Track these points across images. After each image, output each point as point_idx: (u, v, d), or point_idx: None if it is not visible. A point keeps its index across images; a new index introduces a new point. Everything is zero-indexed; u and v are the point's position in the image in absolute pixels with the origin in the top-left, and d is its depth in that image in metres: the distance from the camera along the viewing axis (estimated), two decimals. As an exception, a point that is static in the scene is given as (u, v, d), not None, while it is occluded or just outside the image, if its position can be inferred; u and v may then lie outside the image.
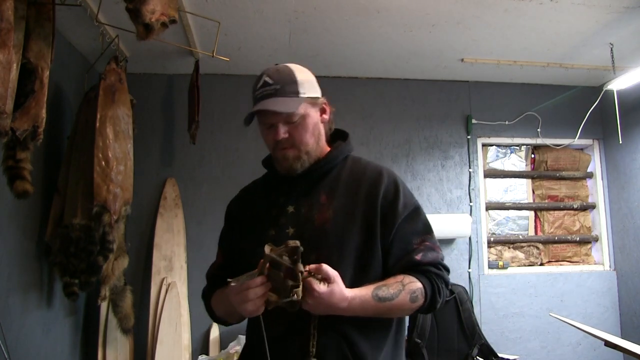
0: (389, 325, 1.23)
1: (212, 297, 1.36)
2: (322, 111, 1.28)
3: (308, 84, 1.24)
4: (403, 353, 1.28)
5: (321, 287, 1.05)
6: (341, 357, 1.14)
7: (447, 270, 1.23)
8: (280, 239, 1.14)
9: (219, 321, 1.42)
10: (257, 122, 1.25)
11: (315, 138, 1.25)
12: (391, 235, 1.20)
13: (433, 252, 1.20)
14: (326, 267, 1.07)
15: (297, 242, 1.04)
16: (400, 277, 1.16)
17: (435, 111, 3.54)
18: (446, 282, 1.21)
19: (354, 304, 1.10)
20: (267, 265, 1.05)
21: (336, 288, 1.07)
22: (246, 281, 1.07)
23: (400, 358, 1.26)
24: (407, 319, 1.40)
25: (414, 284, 1.16)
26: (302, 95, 1.21)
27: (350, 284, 1.12)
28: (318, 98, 1.26)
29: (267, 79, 1.21)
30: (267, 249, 1.06)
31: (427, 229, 1.24)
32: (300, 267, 1.04)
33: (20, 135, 1.70)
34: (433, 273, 1.19)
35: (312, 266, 1.07)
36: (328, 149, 1.30)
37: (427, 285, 1.17)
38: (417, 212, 1.24)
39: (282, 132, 1.20)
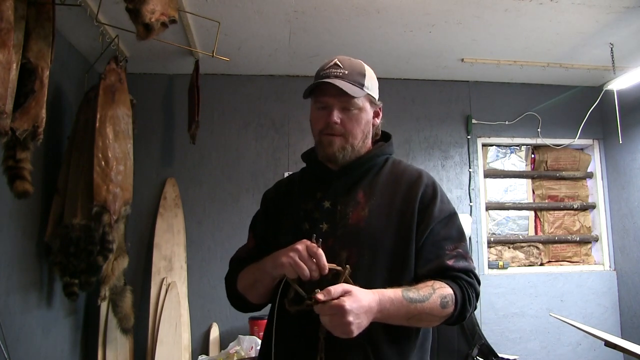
0: (417, 331, 1.18)
1: (239, 275, 1.28)
2: (376, 114, 1.30)
3: (373, 82, 1.26)
4: None
5: (334, 305, 0.98)
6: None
7: (479, 281, 1.18)
8: (314, 233, 1.13)
9: (239, 301, 1.31)
10: (312, 101, 1.28)
11: (363, 134, 1.25)
12: (423, 238, 1.17)
13: (465, 260, 1.17)
14: (335, 288, 1.01)
15: (347, 268, 1.06)
16: (430, 282, 1.11)
17: (435, 111, 3.54)
18: (477, 293, 1.16)
19: (384, 303, 1.04)
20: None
21: (363, 291, 1.03)
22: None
23: None
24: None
25: (445, 289, 1.10)
26: (365, 89, 1.22)
27: (382, 287, 1.08)
28: (376, 99, 1.28)
29: (338, 62, 1.23)
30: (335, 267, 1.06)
31: (461, 237, 1.21)
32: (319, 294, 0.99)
33: (20, 135, 1.69)
34: (465, 280, 1.14)
35: (319, 296, 1.00)
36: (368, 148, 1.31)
37: (457, 292, 1.11)
38: (452, 218, 1.22)
39: (336, 116, 1.20)
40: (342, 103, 1.20)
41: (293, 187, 1.37)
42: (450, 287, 1.11)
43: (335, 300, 0.98)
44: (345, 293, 1.00)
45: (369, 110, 1.25)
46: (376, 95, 1.28)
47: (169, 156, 3.30)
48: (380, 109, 1.31)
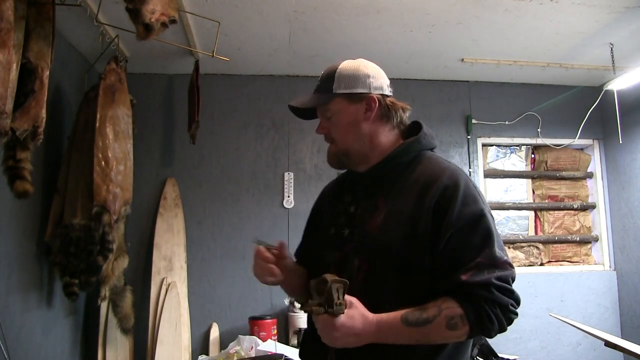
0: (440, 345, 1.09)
1: None
2: (368, 107, 1.19)
3: (347, 79, 1.19)
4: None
5: (326, 319, 0.99)
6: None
7: (506, 290, 1.02)
8: (338, 238, 1.18)
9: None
10: None
11: (354, 136, 1.19)
12: (440, 248, 1.06)
13: (487, 270, 1.02)
14: (348, 297, 1.01)
15: (343, 281, 1.01)
16: (440, 301, 1.03)
17: (435, 111, 3.54)
18: (501, 305, 1.01)
19: (381, 328, 1.02)
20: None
21: (356, 314, 1.01)
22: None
23: None
24: None
25: (454, 310, 1.01)
26: (337, 91, 1.19)
27: (394, 297, 1.06)
28: (360, 94, 1.18)
29: (321, 74, 1.25)
30: (328, 277, 1.02)
31: (485, 243, 1.05)
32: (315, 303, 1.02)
33: (20, 135, 1.69)
34: (481, 296, 1.01)
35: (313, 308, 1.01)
36: (396, 146, 1.21)
37: (469, 311, 1.01)
38: (476, 222, 1.06)
39: (321, 127, 1.24)
40: (321, 113, 1.23)
41: (333, 189, 1.37)
42: (462, 306, 1.01)
43: (325, 316, 0.99)
44: (351, 306, 1.01)
45: (352, 110, 1.19)
46: (361, 89, 1.18)
47: (169, 156, 3.30)
48: (373, 99, 1.18)
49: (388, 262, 1.10)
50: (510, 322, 1.03)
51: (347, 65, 1.22)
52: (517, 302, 1.04)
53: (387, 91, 1.22)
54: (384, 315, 1.03)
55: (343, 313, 0.99)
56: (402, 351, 1.06)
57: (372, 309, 1.04)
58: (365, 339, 1.02)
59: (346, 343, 1.02)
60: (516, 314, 1.04)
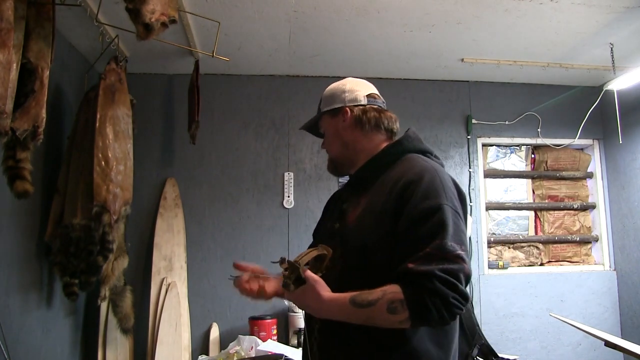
0: (401, 337, 1.14)
1: None
2: (343, 117, 1.38)
3: (328, 99, 1.42)
4: None
5: (291, 288, 1.18)
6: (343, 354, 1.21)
7: (449, 283, 1.04)
8: (330, 231, 1.33)
9: None
10: None
11: (339, 144, 1.39)
12: (399, 238, 1.14)
13: (436, 261, 1.05)
14: (307, 273, 1.17)
15: (321, 251, 1.26)
16: (387, 286, 1.08)
17: (435, 111, 3.54)
18: (441, 296, 1.03)
19: (331, 306, 1.14)
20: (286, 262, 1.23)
21: (308, 290, 1.16)
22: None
23: None
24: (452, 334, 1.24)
25: (395, 295, 1.06)
26: (322, 110, 1.43)
27: (362, 286, 1.12)
28: (336, 108, 1.39)
29: None
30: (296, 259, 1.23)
31: (437, 235, 1.08)
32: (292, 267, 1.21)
33: (20, 135, 1.69)
34: (422, 285, 1.04)
35: (307, 272, 1.19)
36: (380, 148, 1.37)
37: (409, 298, 1.04)
38: (431, 215, 1.11)
39: (322, 143, 1.47)
40: (320, 130, 1.47)
41: (344, 187, 1.52)
42: (404, 292, 1.05)
43: (308, 277, 1.17)
44: (312, 280, 1.16)
45: (334, 123, 1.39)
46: (337, 104, 1.39)
47: (169, 156, 3.30)
48: (346, 110, 1.37)
49: (360, 253, 1.20)
50: (452, 314, 1.05)
51: (330, 86, 1.45)
52: (462, 296, 1.05)
53: (364, 101, 1.39)
54: (335, 295, 1.14)
55: (289, 289, 1.19)
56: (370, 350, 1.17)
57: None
58: (317, 312, 1.18)
59: (303, 307, 1.26)
60: (460, 309, 1.05)
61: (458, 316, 1.12)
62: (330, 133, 1.41)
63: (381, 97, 1.45)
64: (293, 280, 1.18)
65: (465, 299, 1.05)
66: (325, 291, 1.14)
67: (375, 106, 1.40)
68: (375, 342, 1.16)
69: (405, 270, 1.07)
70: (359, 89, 1.41)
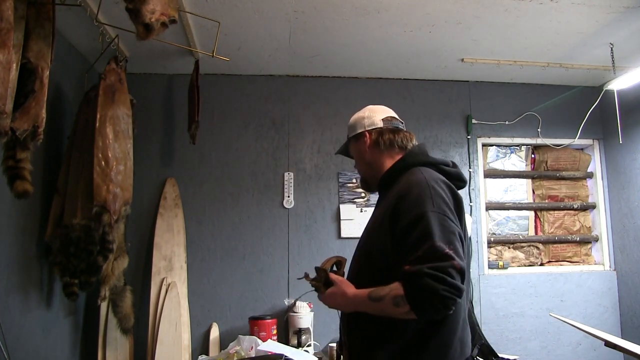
0: (403, 329, 1.32)
1: None
2: (363, 141, 1.58)
3: (352, 126, 1.63)
4: None
5: (323, 290, 1.47)
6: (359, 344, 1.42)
7: (438, 278, 1.18)
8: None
9: None
10: None
11: (364, 164, 1.60)
12: (396, 245, 1.31)
13: (427, 262, 1.20)
14: (332, 276, 1.46)
15: (338, 258, 1.58)
16: (394, 283, 1.27)
17: (435, 111, 3.54)
18: (431, 290, 1.18)
19: (355, 301, 1.38)
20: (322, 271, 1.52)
21: (336, 290, 1.43)
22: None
23: None
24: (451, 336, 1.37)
25: (398, 291, 1.25)
26: (349, 136, 1.64)
27: (369, 285, 1.34)
28: (358, 133, 1.59)
29: None
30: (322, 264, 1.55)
31: (425, 239, 1.24)
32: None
33: (20, 135, 1.69)
34: (414, 283, 1.21)
35: (332, 275, 1.48)
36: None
37: (408, 294, 1.23)
38: (417, 222, 1.27)
39: (354, 164, 1.69)
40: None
41: None
42: (405, 289, 1.24)
43: (335, 279, 1.45)
44: (338, 281, 1.44)
45: (359, 146, 1.59)
46: (360, 129, 1.59)
47: (169, 156, 3.30)
48: (364, 134, 1.57)
49: (366, 258, 1.45)
50: (445, 305, 1.20)
51: (354, 115, 1.66)
52: (453, 287, 1.19)
53: (380, 124, 1.58)
54: (357, 291, 1.39)
55: (320, 291, 1.48)
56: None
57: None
58: (345, 307, 1.44)
59: (334, 306, 1.47)
60: (453, 299, 1.19)
61: (454, 306, 1.23)
62: (356, 156, 1.62)
63: (398, 119, 1.63)
64: (323, 283, 1.45)
65: (457, 289, 1.19)
66: (349, 288, 1.40)
67: (391, 127, 1.57)
68: (377, 326, 1.37)
69: (403, 272, 1.25)
70: (376, 114, 1.60)
